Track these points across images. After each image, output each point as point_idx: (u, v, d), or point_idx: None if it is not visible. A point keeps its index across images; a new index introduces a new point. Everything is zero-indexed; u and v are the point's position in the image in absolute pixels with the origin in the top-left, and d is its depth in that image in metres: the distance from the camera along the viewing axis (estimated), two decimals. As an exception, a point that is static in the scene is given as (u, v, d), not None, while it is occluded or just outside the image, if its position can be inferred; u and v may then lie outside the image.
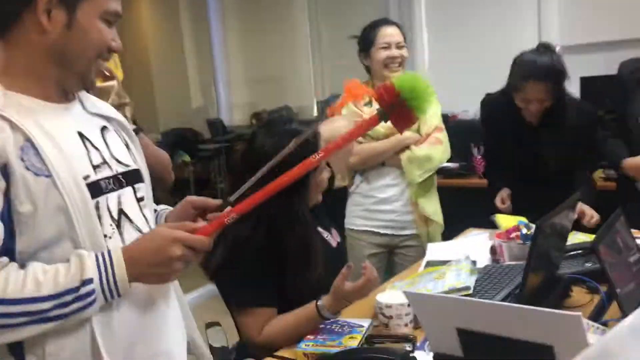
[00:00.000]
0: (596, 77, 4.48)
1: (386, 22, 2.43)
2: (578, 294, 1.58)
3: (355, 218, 2.46)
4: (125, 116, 1.61)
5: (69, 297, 0.95)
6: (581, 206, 2.07)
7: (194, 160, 5.50)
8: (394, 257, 2.46)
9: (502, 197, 2.34)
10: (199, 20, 6.74)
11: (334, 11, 5.94)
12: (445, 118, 5.10)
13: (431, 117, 2.38)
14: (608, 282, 1.36)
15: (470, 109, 5.17)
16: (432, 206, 2.41)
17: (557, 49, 5.10)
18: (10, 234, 0.95)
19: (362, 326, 1.45)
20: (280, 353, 1.43)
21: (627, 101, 2.09)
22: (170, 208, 1.33)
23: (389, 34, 2.38)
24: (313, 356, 1.35)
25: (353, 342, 1.38)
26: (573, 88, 4.30)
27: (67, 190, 0.98)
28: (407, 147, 2.34)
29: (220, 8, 6.85)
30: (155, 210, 1.32)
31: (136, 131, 1.62)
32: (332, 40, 5.87)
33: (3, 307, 0.91)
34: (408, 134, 2.34)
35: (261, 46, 6.60)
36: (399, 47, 2.38)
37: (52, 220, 0.97)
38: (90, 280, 0.97)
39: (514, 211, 2.27)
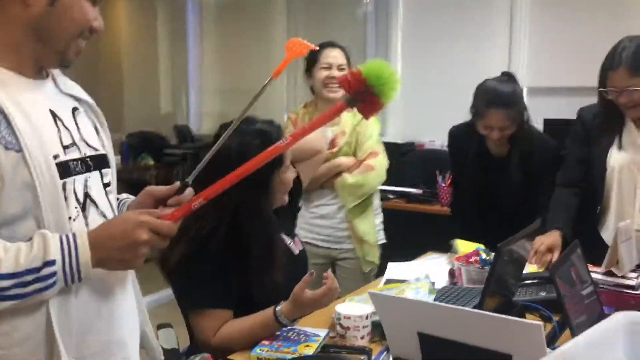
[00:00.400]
0: (559, 119, 4.66)
1: (331, 44, 2.52)
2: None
3: (300, 230, 2.52)
4: None
5: (29, 277, 0.92)
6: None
7: (158, 164, 5.42)
8: (336, 267, 2.53)
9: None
10: (176, 27, 6.72)
11: (313, 31, 6.02)
12: (412, 146, 5.22)
13: (367, 141, 2.45)
14: (562, 311, 1.39)
15: (437, 139, 5.30)
16: (366, 227, 2.48)
17: (524, 90, 5.28)
18: None
19: (319, 335, 1.44)
20: (233, 356, 1.41)
21: (591, 147, 2.14)
22: (132, 197, 1.30)
23: (332, 55, 2.48)
24: (267, 361, 1.34)
25: (308, 350, 1.37)
26: (537, 128, 4.45)
27: (37, 167, 0.96)
28: (341, 172, 2.41)
29: (199, 17, 6.85)
30: (118, 199, 1.29)
31: None
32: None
33: None
34: (343, 159, 2.42)
35: (236, 58, 6.62)
36: (340, 69, 2.47)
37: (18, 197, 0.95)
38: (52, 262, 0.94)
39: (476, 239, 2.29)
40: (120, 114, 6.45)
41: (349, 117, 2.48)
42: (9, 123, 0.95)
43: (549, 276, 1.44)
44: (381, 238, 2.58)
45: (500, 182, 2.32)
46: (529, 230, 1.67)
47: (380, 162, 2.46)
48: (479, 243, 2.12)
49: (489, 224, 2.33)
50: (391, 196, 3.62)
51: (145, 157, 5.28)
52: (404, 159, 4.47)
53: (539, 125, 4.46)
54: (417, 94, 5.53)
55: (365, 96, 1.05)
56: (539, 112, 4.76)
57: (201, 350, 1.55)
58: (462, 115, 2.41)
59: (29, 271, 0.92)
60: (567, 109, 4.30)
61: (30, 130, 0.97)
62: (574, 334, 1.34)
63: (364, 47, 5.71)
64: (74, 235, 0.97)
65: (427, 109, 5.43)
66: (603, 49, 2.79)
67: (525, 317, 1.60)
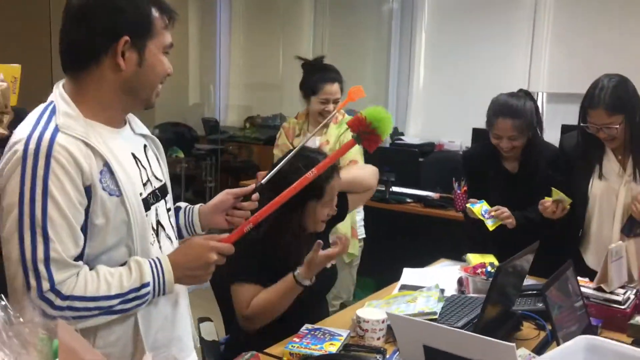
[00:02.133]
0: (576, 125, 4.78)
1: (332, 79, 2.75)
2: (528, 329, 1.83)
3: None
4: (2, 122, 1.79)
5: (131, 296, 1.18)
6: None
7: (187, 157, 5.69)
8: None
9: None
10: (207, 21, 6.92)
11: (338, 28, 6.19)
12: (432, 146, 5.38)
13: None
14: (551, 323, 1.61)
15: (456, 139, 5.47)
16: (344, 227, 2.74)
17: (543, 95, 5.38)
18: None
19: (342, 335, 1.68)
20: (269, 350, 1.65)
21: (573, 175, 2.28)
22: (187, 204, 1.56)
23: (330, 91, 2.73)
24: (298, 356, 1.57)
25: (332, 348, 1.61)
26: (554, 133, 4.61)
27: (132, 207, 1.20)
28: None
29: (228, 13, 7.04)
30: (179, 207, 1.53)
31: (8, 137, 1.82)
32: (332, 55, 6.08)
33: (84, 303, 1.13)
34: None
35: (263, 54, 6.83)
36: (334, 101, 2.74)
37: (117, 231, 1.19)
38: (148, 284, 1.20)
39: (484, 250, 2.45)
40: (151, 106, 6.71)
41: (334, 129, 2.75)
42: (111, 173, 1.18)
43: (541, 291, 1.64)
44: (362, 233, 2.87)
45: (513, 196, 2.43)
46: (530, 249, 1.88)
47: None
48: (489, 255, 2.31)
49: (506, 237, 2.40)
50: (409, 200, 3.80)
51: (176, 151, 5.55)
52: (423, 162, 4.62)
53: (556, 130, 4.64)
54: (438, 94, 5.71)
55: (369, 135, 1.37)
56: (557, 118, 4.94)
57: (238, 338, 1.81)
58: (481, 117, 2.51)
59: (131, 291, 1.18)
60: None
61: (125, 177, 1.20)
62: (558, 344, 1.56)
63: (387, 47, 5.90)
64: (159, 260, 1.23)
65: (448, 109, 5.61)
66: (622, 56, 2.84)
67: (522, 325, 1.83)
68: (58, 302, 1.11)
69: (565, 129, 4.76)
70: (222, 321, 2.12)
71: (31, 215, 1.09)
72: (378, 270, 3.05)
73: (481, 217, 2.34)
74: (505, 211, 2.35)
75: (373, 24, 6.01)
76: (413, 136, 5.68)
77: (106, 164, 1.18)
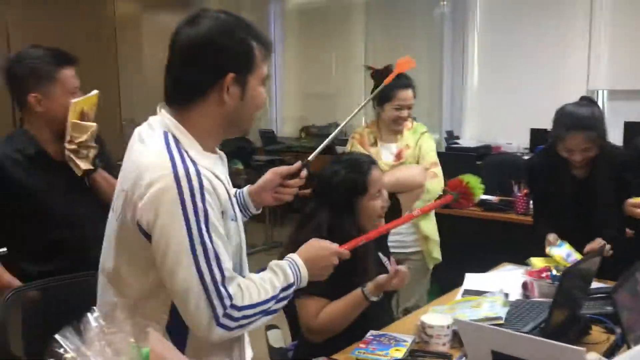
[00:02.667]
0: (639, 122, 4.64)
1: (406, 85, 2.74)
2: (596, 332, 1.80)
3: None
4: (88, 157, 1.92)
5: (281, 295, 1.30)
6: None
7: (247, 168, 5.83)
8: None
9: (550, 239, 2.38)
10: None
11: (390, 35, 6.20)
12: (488, 149, 5.30)
13: (428, 153, 2.75)
14: (621, 326, 1.59)
15: (513, 141, 5.37)
16: (430, 226, 2.82)
17: (604, 93, 5.20)
18: None
19: (407, 341, 1.70)
20: (336, 356, 1.69)
21: None
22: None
23: (404, 97, 2.73)
24: (364, 362, 1.61)
25: (398, 353, 1.64)
26: (617, 132, 4.46)
27: (241, 229, 1.32)
28: None
29: (281, 25, 7.17)
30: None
31: (93, 170, 1.94)
32: (385, 61, 6.09)
33: (252, 310, 1.25)
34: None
35: (316, 64, 6.92)
36: (409, 107, 2.75)
37: (232, 252, 1.29)
38: (293, 284, 1.33)
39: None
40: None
41: (410, 133, 2.79)
42: (231, 201, 1.29)
43: (610, 294, 1.62)
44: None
45: (584, 204, 2.37)
46: (597, 252, 1.86)
47: (441, 172, 2.75)
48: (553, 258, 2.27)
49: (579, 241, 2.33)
50: (468, 204, 3.76)
51: (236, 163, 5.71)
52: (480, 165, 4.57)
53: (619, 128, 4.50)
54: (493, 95, 5.64)
55: (464, 195, 1.77)
56: (619, 115, 4.80)
57: (305, 345, 1.87)
58: (540, 118, 2.45)
59: (281, 291, 1.30)
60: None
61: (234, 202, 1.32)
62: (629, 347, 1.54)
63: (440, 50, 5.87)
64: (294, 260, 1.35)
65: (504, 110, 5.53)
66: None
67: (591, 329, 1.81)
68: (236, 314, 1.22)
69: (629, 126, 4.63)
70: (289, 328, 2.18)
71: (203, 244, 1.18)
72: (440, 275, 3.05)
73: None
74: (598, 244, 2.22)
75: (425, 28, 5.99)
76: (469, 139, 5.62)
77: (228, 193, 1.28)
